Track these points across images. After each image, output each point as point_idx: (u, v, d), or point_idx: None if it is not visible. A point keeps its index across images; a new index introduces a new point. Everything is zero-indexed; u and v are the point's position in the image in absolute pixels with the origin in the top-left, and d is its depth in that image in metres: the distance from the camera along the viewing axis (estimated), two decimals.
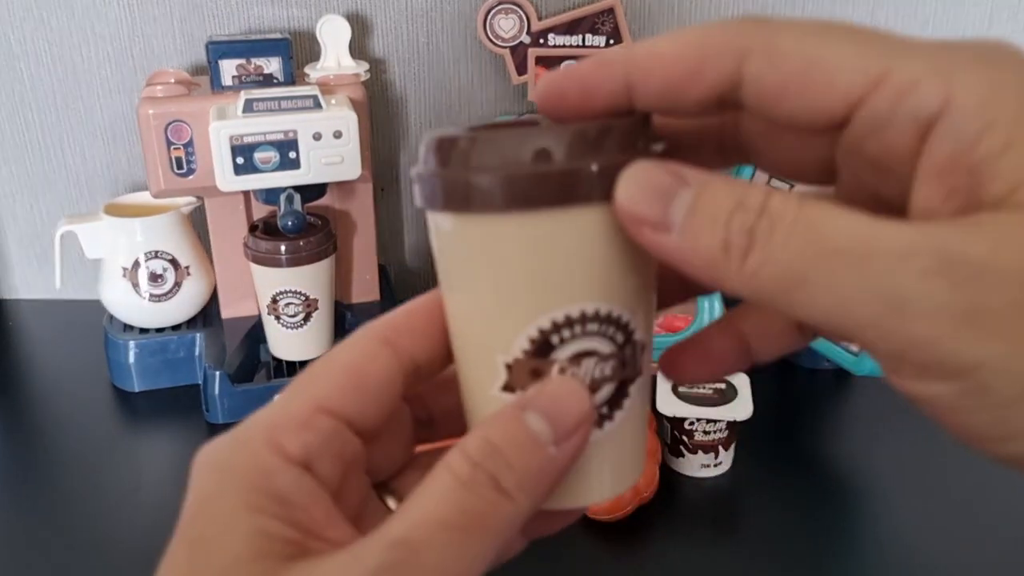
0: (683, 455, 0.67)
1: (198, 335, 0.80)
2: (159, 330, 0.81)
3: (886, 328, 0.19)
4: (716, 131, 0.27)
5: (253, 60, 0.76)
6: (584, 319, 0.24)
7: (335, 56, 0.80)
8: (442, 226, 0.25)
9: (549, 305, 0.24)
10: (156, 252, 0.79)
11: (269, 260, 0.74)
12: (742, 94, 0.22)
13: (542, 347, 0.24)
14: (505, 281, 0.24)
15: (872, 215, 0.20)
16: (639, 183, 0.22)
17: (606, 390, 0.25)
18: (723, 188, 0.21)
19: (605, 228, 0.23)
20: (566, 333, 0.24)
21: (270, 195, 0.74)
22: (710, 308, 0.76)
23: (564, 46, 0.82)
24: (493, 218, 0.23)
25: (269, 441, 0.25)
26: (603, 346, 0.24)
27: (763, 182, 0.76)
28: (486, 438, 0.24)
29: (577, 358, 0.24)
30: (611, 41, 0.82)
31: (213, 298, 0.84)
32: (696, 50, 0.22)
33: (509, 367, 0.25)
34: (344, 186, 0.81)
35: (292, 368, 0.79)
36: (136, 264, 0.79)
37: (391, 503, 0.28)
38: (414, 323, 0.27)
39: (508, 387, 0.25)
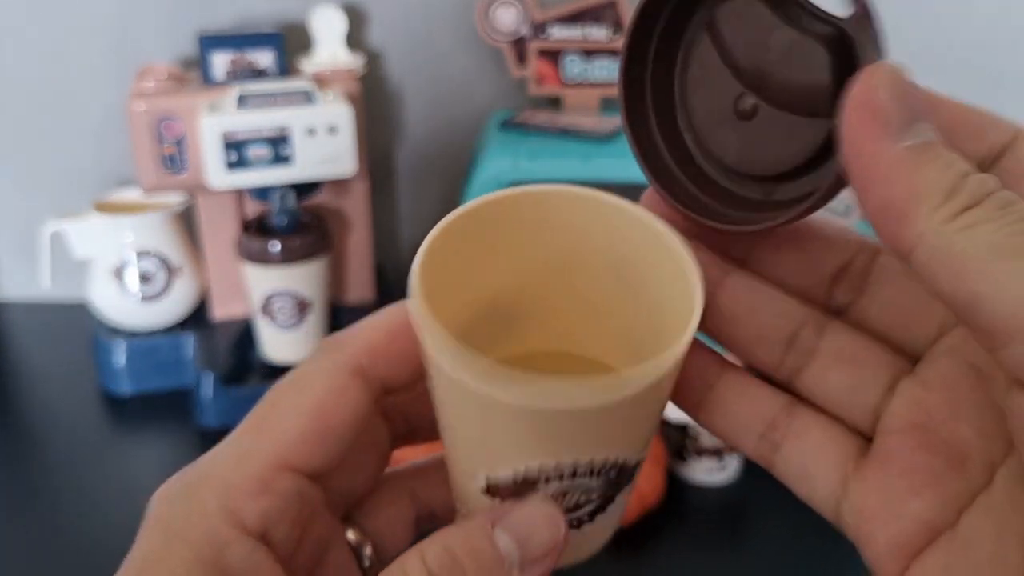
0: (688, 461, 0.66)
1: (189, 337, 0.79)
2: (149, 331, 0.79)
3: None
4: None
5: (245, 54, 0.74)
6: (575, 471, 0.22)
7: (330, 49, 0.79)
8: (436, 357, 0.22)
9: (541, 456, 0.22)
10: (146, 251, 0.78)
11: (262, 259, 0.73)
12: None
13: (525, 483, 0.23)
14: (497, 427, 0.22)
15: None
16: (896, 86, 0.19)
17: (590, 506, 0.24)
18: (945, 155, 0.19)
19: (615, 409, 0.21)
20: (554, 482, 0.22)
21: (263, 192, 0.73)
22: None
23: (566, 39, 0.81)
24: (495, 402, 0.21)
25: (224, 508, 0.23)
26: (592, 483, 0.23)
27: None
28: (448, 549, 0.22)
29: (565, 493, 0.23)
30: (614, 33, 0.80)
31: (205, 299, 0.83)
32: None
33: (491, 483, 0.23)
34: (339, 183, 0.79)
35: (285, 370, 0.77)
36: (126, 264, 0.78)
37: (351, 536, 0.27)
38: (393, 349, 0.25)
39: (489, 491, 0.23)
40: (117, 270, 0.78)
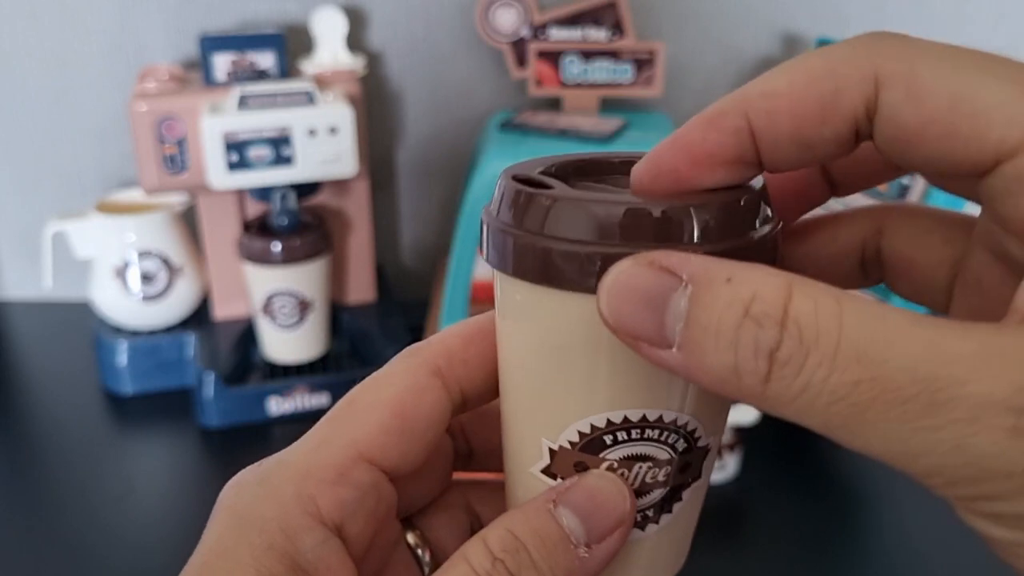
0: None
1: (191, 336, 0.79)
2: (151, 331, 0.80)
3: (960, 480, 0.16)
4: (858, 244, 0.24)
5: (247, 54, 0.75)
6: (645, 424, 0.21)
7: (330, 50, 0.79)
8: (510, 291, 0.22)
9: (610, 405, 0.21)
10: (148, 252, 0.78)
11: (263, 259, 0.73)
12: (876, 130, 0.19)
13: (592, 443, 0.22)
14: (569, 366, 0.21)
15: (948, 323, 0.16)
16: (622, 291, 0.18)
17: (656, 494, 0.23)
18: (723, 290, 0.17)
19: None
20: (621, 435, 0.21)
21: (264, 193, 0.73)
22: None
23: (565, 40, 0.81)
24: (574, 297, 0.20)
25: (299, 495, 0.22)
26: (660, 452, 0.22)
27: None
28: (511, 530, 0.22)
29: (628, 460, 0.22)
30: (614, 35, 0.80)
31: (206, 299, 0.83)
32: (826, 82, 0.19)
33: (553, 452, 0.22)
34: (339, 183, 0.80)
35: (286, 370, 0.77)
36: (127, 264, 0.78)
37: (411, 539, 0.26)
38: (470, 353, 0.25)
39: (548, 472, 0.23)
40: (119, 270, 0.78)
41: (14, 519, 0.64)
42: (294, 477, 0.23)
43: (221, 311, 0.81)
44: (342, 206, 0.82)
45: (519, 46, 0.82)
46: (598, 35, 0.81)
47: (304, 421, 0.75)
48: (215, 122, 0.68)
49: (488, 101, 0.89)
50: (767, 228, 0.21)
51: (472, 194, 0.73)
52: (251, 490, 0.23)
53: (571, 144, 0.74)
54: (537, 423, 0.22)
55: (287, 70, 0.76)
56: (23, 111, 0.89)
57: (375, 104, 0.89)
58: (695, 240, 0.20)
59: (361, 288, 0.85)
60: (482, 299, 0.84)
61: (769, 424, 0.65)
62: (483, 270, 0.84)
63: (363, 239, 0.83)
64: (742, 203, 0.20)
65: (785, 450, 0.70)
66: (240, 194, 0.78)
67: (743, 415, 0.64)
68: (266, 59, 0.75)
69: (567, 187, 0.21)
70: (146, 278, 0.78)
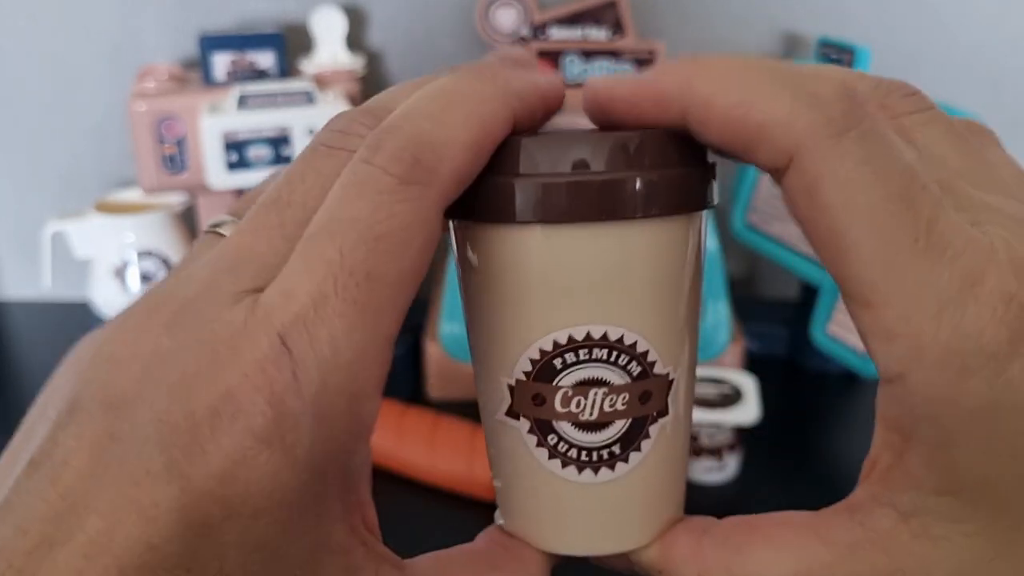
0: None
1: None
2: None
3: None
4: None
5: (246, 54, 0.75)
6: (591, 343, 0.22)
7: (330, 50, 0.79)
8: (459, 232, 0.23)
9: (554, 324, 0.22)
10: (147, 251, 0.78)
11: None
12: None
13: (544, 370, 0.22)
14: (509, 295, 0.22)
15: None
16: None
17: (619, 425, 0.23)
18: None
19: (632, 246, 0.21)
20: (569, 357, 0.22)
21: None
22: (716, 308, 0.74)
23: (566, 39, 0.81)
24: (513, 228, 0.21)
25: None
26: (613, 376, 0.22)
27: None
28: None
29: (583, 386, 0.22)
30: (614, 34, 0.80)
31: None
32: (650, 99, 0.21)
33: (511, 389, 0.23)
34: None
35: None
36: (127, 264, 0.78)
37: None
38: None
39: (512, 412, 0.23)
40: (118, 270, 0.78)
41: None
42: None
43: None
44: None
45: (519, 46, 0.82)
46: (598, 35, 0.81)
47: None
48: (214, 122, 0.68)
49: None
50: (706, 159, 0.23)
51: None
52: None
53: None
54: (495, 363, 0.23)
55: (287, 70, 0.76)
56: (22, 110, 0.89)
57: None
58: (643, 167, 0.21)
59: None
60: None
61: (769, 424, 0.65)
62: None
63: None
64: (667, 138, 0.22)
65: (785, 450, 0.70)
66: (240, 194, 0.78)
67: (743, 415, 0.64)
68: (266, 59, 0.75)
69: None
70: (145, 278, 0.78)
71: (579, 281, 0.21)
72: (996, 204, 0.19)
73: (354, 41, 0.85)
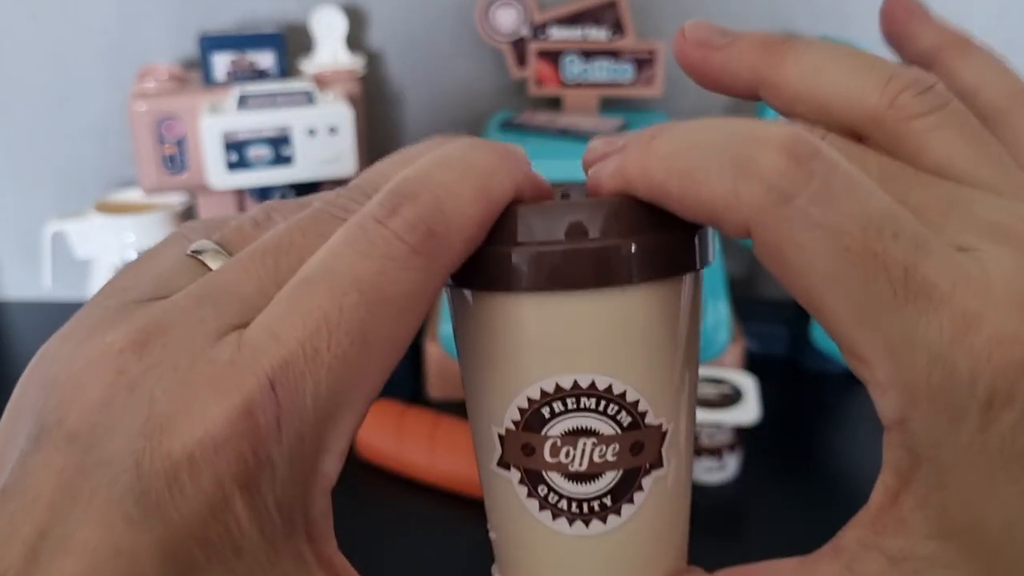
0: None
1: None
2: None
3: None
4: None
5: (246, 54, 0.75)
6: (579, 391, 0.22)
7: (330, 50, 0.80)
8: (454, 294, 0.23)
9: (541, 373, 0.22)
10: None
11: None
12: None
13: (532, 419, 0.22)
14: (505, 351, 0.22)
15: None
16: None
17: (609, 477, 0.22)
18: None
19: (625, 309, 0.21)
20: (557, 406, 0.22)
21: (263, 193, 0.74)
22: (716, 309, 0.74)
23: (566, 39, 0.81)
24: (508, 296, 0.22)
25: None
26: (603, 426, 0.22)
27: None
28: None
29: (572, 435, 0.22)
30: (614, 34, 0.80)
31: None
32: (621, 187, 0.22)
33: (502, 438, 0.23)
34: (339, 183, 0.79)
35: None
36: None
37: None
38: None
39: (503, 462, 0.23)
40: (118, 269, 0.78)
41: None
42: None
43: None
44: None
45: (519, 46, 0.82)
46: (598, 35, 0.81)
47: None
48: (215, 122, 0.68)
49: (488, 101, 0.89)
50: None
51: None
52: None
53: (571, 143, 0.74)
54: (485, 413, 0.23)
55: (287, 70, 0.76)
56: (22, 111, 0.89)
57: (375, 104, 0.89)
58: (632, 235, 0.21)
59: None
60: None
61: (769, 423, 0.65)
62: None
63: None
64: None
65: (785, 448, 0.70)
66: (240, 194, 0.78)
67: (743, 415, 0.64)
68: (266, 59, 0.75)
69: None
70: None
71: (571, 340, 0.21)
72: (1008, 214, 0.19)
73: (354, 41, 0.85)
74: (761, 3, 0.85)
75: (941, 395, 0.17)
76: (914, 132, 0.20)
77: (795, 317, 0.83)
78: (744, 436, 0.67)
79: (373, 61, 0.87)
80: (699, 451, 0.65)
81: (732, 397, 0.66)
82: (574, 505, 0.23)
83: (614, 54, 0.80)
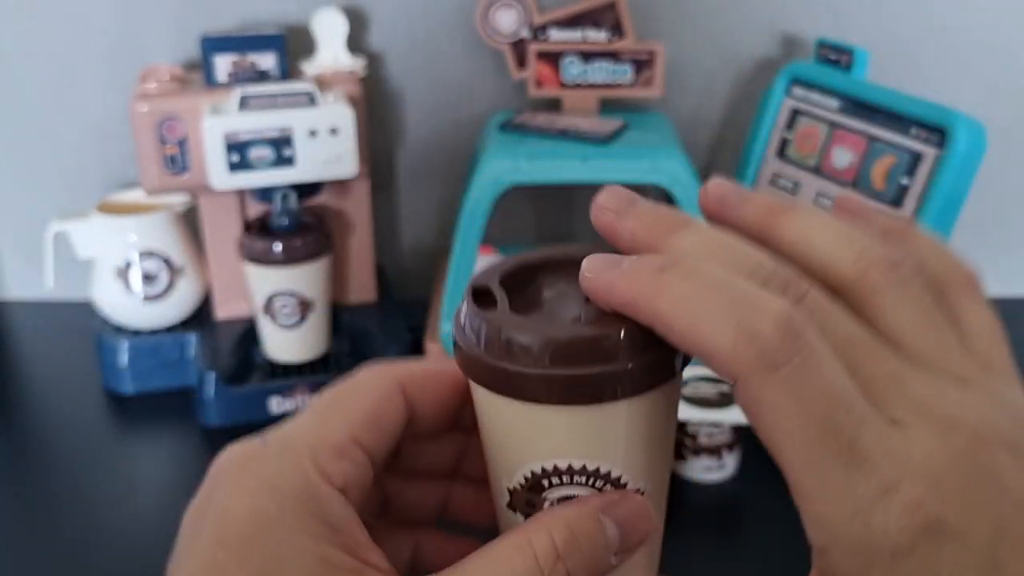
0: (686, 459, 0.66)
1: (192, 336, 0.79)
2: (152, 331, 0.80)
3: None
4: None
5: (247, 55, 0.75)
6: (572, 471, 0.26)
7: (331, 51, 0.80)
8: (474, 387, 0.27)
9: (541, 457, 0.26)
10: (149, 252, 0.78)
11: (264, 259, 0.74)
12: None
13: (535, 486, 0.27)
14: (513, 434, 0.27)
15: None
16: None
17: None
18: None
19: (611, 419, 0.25)
20: (554, 479, 0.26)
21: (265, 193, 0.74)
22: None
23: (565, 41, 0.81)
24: (508, 400, 0.25)
25: (317, 466, 0.25)
26: (587, 493, 0.27)
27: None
28: (570, 528, 0.25)
29: (564, 500, 0.27)
30: (613, 36, 0.81)
31: (207, 299, 0.83)
32: (622, 304, 0.25)
33: (510, 491, 0.27)
34: (340, 184, 0.80)
35: (287, 370, 0.78)
36: (129, 264, 0.78)
37: None
38: (428, 382, 0.29)
39: (511, 505, 0.28)
40: (120, 270, 0.78)
41: (15, 518, 0.65)
42: (306, 452, 0.26)
43: (222, 311, 0.82)
44: (343, 207, 0.82)
45: (519, 47, 0.82)
46: (598, 36, 0.81)
47: None
48: (216, 123, 0.69)
49: (488, 102, 0.89)
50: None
51: (472, 195, 0.73)
52: (272, 463, 0.25)
53: (571, 144, 0.74)
54: (500, 469, 0.28)
55: (288, 71, 0.77)
56: (25, 111, 0.89)
57: (375, 105, 0.89)
58: (618, 360, 0.24)
59: (361, 288, 0.85)
60: None
61: None
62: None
63: (363, 239, 0.84)
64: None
65: None
66: (241, 194, 0.79)
67: (741, 415, 0.64)
68: (267, 60, 0.76)
69: (508, 314, 0.26)
70: (147, 278, 0.79)
71: (563, 437, 0.26)
72: (936, 394, 0.22)
73: (355, 42, 0.86)
74: (759, 4, 0.85)
75: (858, 541, 0.21)
76: (875, 303, 0.24)
77: None
78: (742, 435, 0.67)
79: (374, 62, 0.87)
80: (698, 450, 0.66)
81: (731, 397, 0.66)
82: None
83: (613, 55, 0.81)
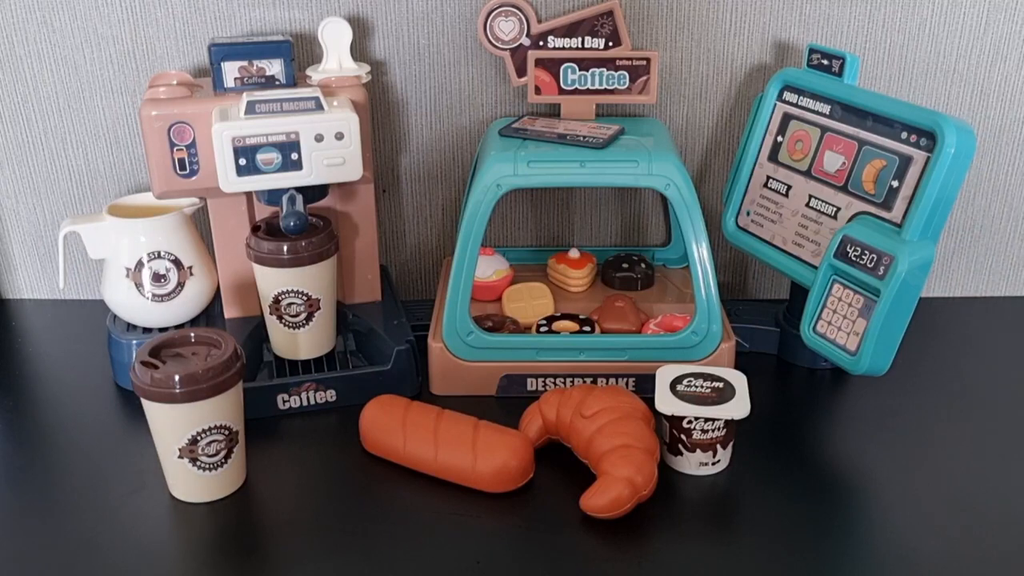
0: (682, 453, 0.68)
1: None
2: (162, 330, 0.81)
3: None
4: None
5: (255, 62, 0.76)
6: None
7: (336, 58, 0.81)
8: None
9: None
10: (159, 252, 0.80)
11: (271, 260, 0.75)
12: None
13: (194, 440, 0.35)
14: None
15: None
16: None
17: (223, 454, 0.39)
18: None
19: None
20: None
21: (272, 196, 0.75)
22: (709, 308, 0.76)
23: (564, 48, 0.83)
24: None
25: None
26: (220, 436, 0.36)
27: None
28: None
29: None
30: (610, 44, 0.82)
31: (216, 298, 0.84)
32: None
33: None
34: (346, 187, 0.81)
35: (294, 367, 0.79)
36: (139, 264, 0.79)
37: None
38: None
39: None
40: (131, 270, 0.80)
41: (27, 512, 0.65)
42: None
43: (230, 310, 0.83)
44: (348, 209, 0.83)
45: (519, 55, 0.84)
46: (596, 44, 0.83)
47: (311, 416, 0.77)
48: (224, 127, 0.69)
49: (489, 108, 0.90)
50: None
51: (474, 197, 0.75)
52: None
53: (569, 149, 0.76)
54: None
55: (294, 77, 0.78)
56: (37, 116, 0.90)
57: (379, 111, 0.90)
58: None
59: (367, 288, 0.86)
60: (483, 299, 0.86)
61: (760, 417, 0.67)
62: (484, 271, 0.86)
63: (369, 241, 0.85)
64: None
65: (776, 443, 0.72)
66: (249, 197, 0.80)
67: (735, 410, 0.66)
68: (274, 66, 0.77)
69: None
70: (157, 278, 0.80)
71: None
72: None
73: (360, 50, 0.87)
74: (753, 12, 0.87)
75: None
76: None
77: (785, 316, 0.84)
78: (736, 430, 0.68)
79: (378, 69, 0.89)
80: (693, 445, 0.67)
81: (724, 392, 0.68)
82: None
83: (610, 63, 0.82)
